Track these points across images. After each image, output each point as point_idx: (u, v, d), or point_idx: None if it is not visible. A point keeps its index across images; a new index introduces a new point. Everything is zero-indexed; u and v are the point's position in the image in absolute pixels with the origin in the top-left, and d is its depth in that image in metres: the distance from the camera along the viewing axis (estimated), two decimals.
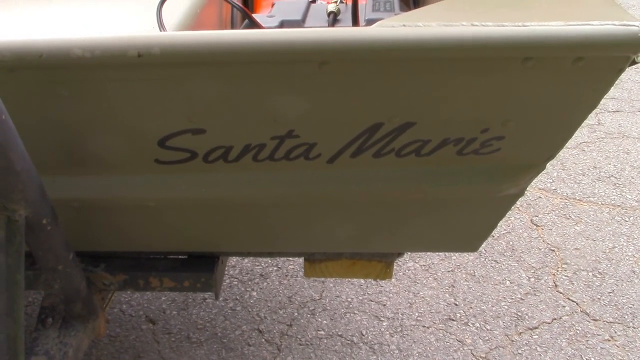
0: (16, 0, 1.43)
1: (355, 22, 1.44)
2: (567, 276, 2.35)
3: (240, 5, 1.48)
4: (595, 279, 2.34)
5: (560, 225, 2.62)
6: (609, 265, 2.40)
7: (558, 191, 2.85)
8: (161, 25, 1.21)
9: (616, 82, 3.06)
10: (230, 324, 2.13)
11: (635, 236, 2.56)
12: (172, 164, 1.09)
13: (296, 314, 2.17)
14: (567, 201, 2.78)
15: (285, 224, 1.28)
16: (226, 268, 2.33)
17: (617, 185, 2.89)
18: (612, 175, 2.96)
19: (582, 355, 2.02)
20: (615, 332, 2.11)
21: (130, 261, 1.41)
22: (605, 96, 3.27)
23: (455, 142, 1.06)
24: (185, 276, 1.40)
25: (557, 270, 2.38)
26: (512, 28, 0.88)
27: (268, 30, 0.91)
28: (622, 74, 3.10)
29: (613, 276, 2.35)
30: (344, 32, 0.90)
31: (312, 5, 1.64)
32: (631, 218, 2.67)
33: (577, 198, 2.80)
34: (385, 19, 0.91)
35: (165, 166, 1.09)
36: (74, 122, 1.01)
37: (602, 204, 2.76)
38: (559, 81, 0.95)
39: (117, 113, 1.00)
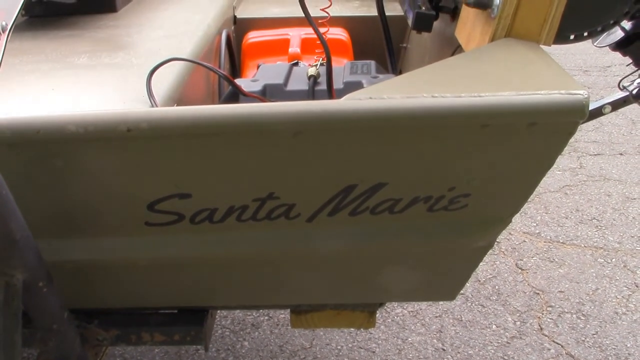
0: (15, 71, 1.52)
1: (330, 88, 1.53)
2: (552, 319, 2.41)
3: (224, 73, 1.57)
4: (579, 321, 2.40)
5: (544, 269, 2.69)
6: (592, 307, 2.46)
7: (542, 235, 2.93)
8: (151, 96, 1.30)
9: (597, 126, 3.16)
10: None
11: (618, 277, 2.62)
12: (161, 226, 1.16)
13: None
14: (550, 244, 2.85)
15: (270, 279, 1.34)
16: (218, 318, 2.39)
17: (599, 227, 2.97)
18: (594, 218, 3.04)
19: None
20: None
21: (122, 317, 1.47)
22: (586, 139, 3.40)
23: (425, 200, 1.13)
24: (175, 330, 1.45)
25: (542, 313, 2.43)
26: (469, 99, 0.97)
27: (245, 105, 1.00)
28: (603, 118, 3.16)
29: (597, 318, 2.41)
30: (315, 105, 0.99)
31: (295, 68, 1.73)
32: (613, 260, 2.73)
33: (561, 241, 2.88)
34: (353, 92, 1.00)
35: (155, 228, 1.16)
36: (68, 191, 1.09)
37: (585, 246, 2.83)
38: (515, 144, 1.03)
39: (109, 181, 1.08)
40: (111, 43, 1.77)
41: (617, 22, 1.30)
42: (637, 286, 2.56)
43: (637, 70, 1.77)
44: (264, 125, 0.99)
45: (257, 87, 1.56)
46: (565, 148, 3.40)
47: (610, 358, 2.22)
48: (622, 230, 2.93)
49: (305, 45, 2.08)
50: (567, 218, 3.05)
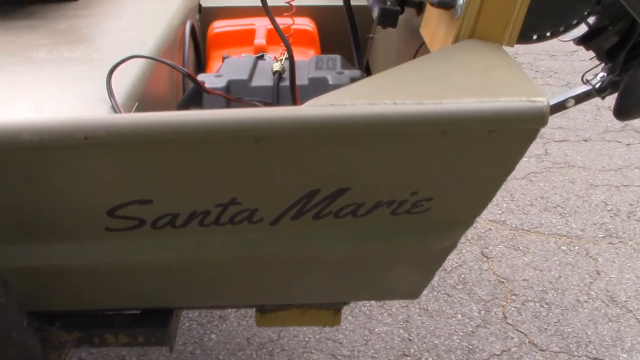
0: None
1: (293, 89, 1.51)
2: (515, 307, 2.45)
3: (187, 70, 1.54)
4: (542, 309, 2.44)
5: (509, 257, 2.73)
6: (555, 295, 2.50)
7: (507, 222, 2.96)
8: (111, 95, 1.27)
9: (562, 112, 3.16)
10: None
11: (580, 265, 2.67)
12: (122, 231, 1.14)
13: (255, 355, 2.21)
14: (515, 232, 2.89)
15: (234, 282, 1.34)
16: (185, 311, 2.38)
17: (563, 215, 3.02)
18: (558, 205, 3.09)
19: None
20: None
21: (85, 318, 1.45)
22: (552, 126, 3.42)
23: (388, 204, 1.13)
24: (139, 331, 1.44)
25: (507, 302, 2.47)
26: (430, 106, 0.97)
27: (205, 112, 0.98)
28: None
29: (559, 306, 2.45)
30: (277, 112, 0.98)
31: (260, 62, 1.70)
32: (576, 247, 2.78)
33: (526, 229, 2.92)
34: (315, 98, 0.99)
35: (115, 233, 1.14)
36: (27, 197, 1.06)
37: (549, 234, 2.88)
38: (477, 150, 1.03)
39: (68, 187, 1.06)
40: (71, 35, 1.72)
41: (579, 23, 1.31)
42: (598, 274, 2.62)
43: (600, 64, 1.79)
44: (225, 133, 0.97)
45: (221, 83, 1.54)
46: None
47: (571, 346, 2.27)
48: (585, 218, 2.99)
49: (272, 36, 2.06)
50: (532, 205, 3.09)
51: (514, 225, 2.94)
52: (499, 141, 1.01)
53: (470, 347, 2.26)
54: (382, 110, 0.97)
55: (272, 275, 1.32)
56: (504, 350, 2.25)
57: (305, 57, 2.07)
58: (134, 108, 1.35)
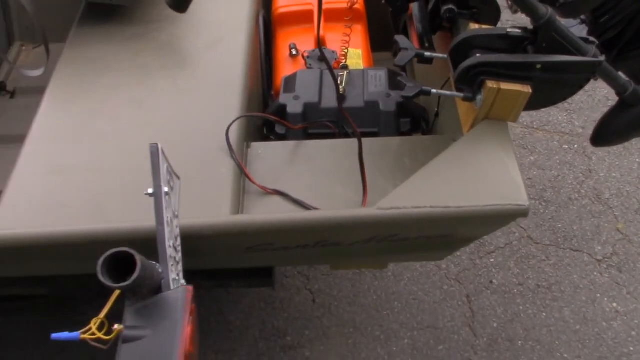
0: (104, 91, 2.01)
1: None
2: None
3: (274, 117, 2.05)
4: (540, 206, 3.10)
5: (519, 156, 3.31)
6: (552, 194, 3.14)
7: (520, 120, 3.49)
8: (232, 151, 1.82)
9: None
10: None
11: (577, 164, 3.26)
12: (255, 252, 1.80)
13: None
14: (526, 130, 3.44)
15: (315, 260, 2.03)
16: None
17: (569, 111, 3.53)
18: (565, 101, 3.57)
19: (524, 274, 2.84)
20: (550, 253, 2.91)
21: (217, 272, 2.15)
22: None
23: (426, 237, 1.76)
24: (253, 280, 2.14)
25: None
26: (453, 209, 1.54)
27: (305, 214, 1.60)
28: None
29: (554, 203, 3.10)
30: (351, 214, 1.58)
31: (324, 78, 2.16)
32: (575, 146, 3.35)
33: (535, 127, 3.46)
34: (380, 202, 1.56)
35: (250, 252, 1.80)
36: (206, 251, 1.71)
37: (554, 132, 3.42)
38: (476, 227, 1.65)
39: (224, 246, 1.70)
40: (175, 52, 2.19)
41: (568, 98, 1.79)
42: (590, 172, 3.22)
43: None
44: (312, 227, 1.59)
45: (298, 107, 2.05)
46: None
47: (559, 239, 2.96)
48: (587, 115, 3.50)
49: (328, 17, 2.46)
50: None
51: (525, 123, 3.48)
52: (492, 223, 1.62)
53: (482, 241, 2.96)
54: (424, 212, 1.55)
55: (341, 257, 2.01)
56: (507, 244, 2.95)
57: (355, 35, 2.50)
58: (244, 146, 1.92)
